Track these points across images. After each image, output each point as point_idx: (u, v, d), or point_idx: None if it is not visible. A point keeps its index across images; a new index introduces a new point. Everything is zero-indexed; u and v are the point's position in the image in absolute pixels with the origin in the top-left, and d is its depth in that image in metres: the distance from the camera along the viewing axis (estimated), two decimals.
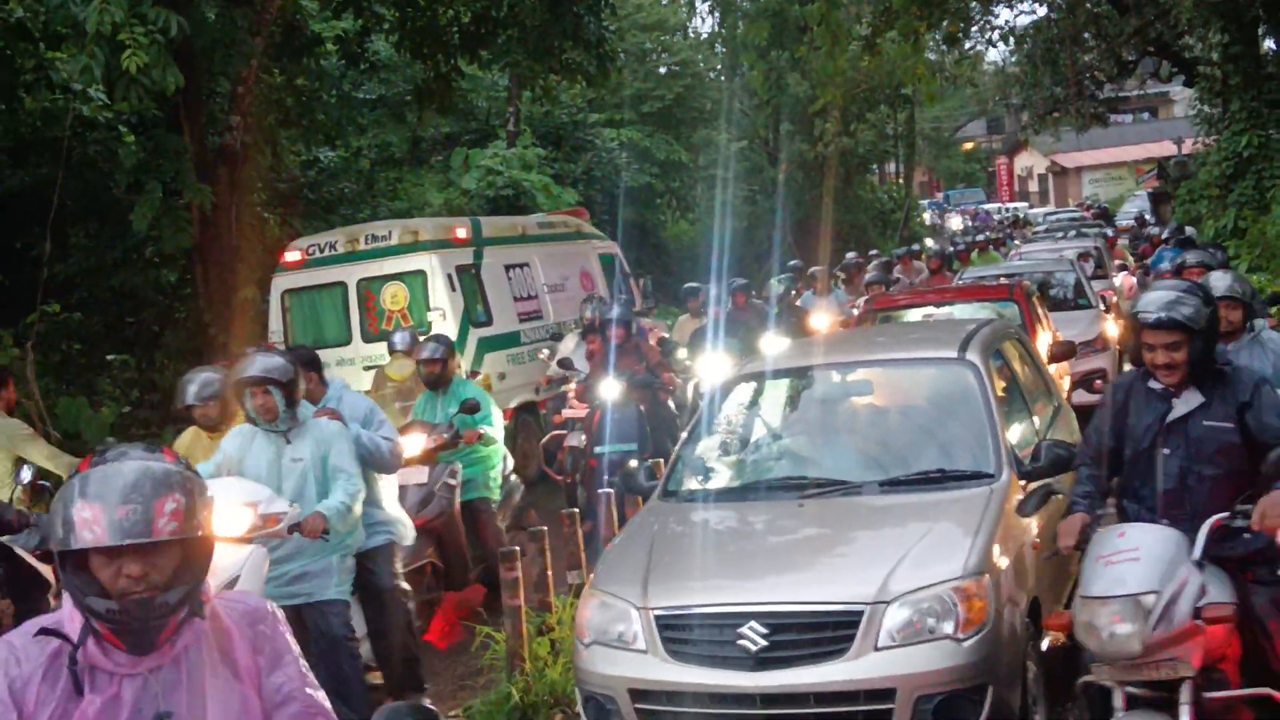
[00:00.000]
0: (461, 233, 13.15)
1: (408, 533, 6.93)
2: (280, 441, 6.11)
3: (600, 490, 8.91)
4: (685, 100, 32.67)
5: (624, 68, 21.63)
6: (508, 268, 13.69)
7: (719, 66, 36.13)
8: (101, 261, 14.91)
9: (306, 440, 6.13)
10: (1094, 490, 4.71)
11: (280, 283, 12.89)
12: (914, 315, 12.15)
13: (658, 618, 5.13)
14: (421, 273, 12.42)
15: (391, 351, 10.52)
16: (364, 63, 16.84)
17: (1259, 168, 22.81)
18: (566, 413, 11.28)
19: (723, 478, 6.30)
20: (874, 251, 26.83)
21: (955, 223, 54.76)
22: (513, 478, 9.56)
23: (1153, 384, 4.67)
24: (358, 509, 6.17)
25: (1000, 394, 6.17)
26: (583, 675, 5.38)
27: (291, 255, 12.96)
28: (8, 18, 13.20)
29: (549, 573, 7.10)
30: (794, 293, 17.07)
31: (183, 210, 13.61)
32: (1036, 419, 6.71)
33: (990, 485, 5.56)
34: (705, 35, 38.30)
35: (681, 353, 12.85)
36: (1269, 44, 26.45)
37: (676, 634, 5.10)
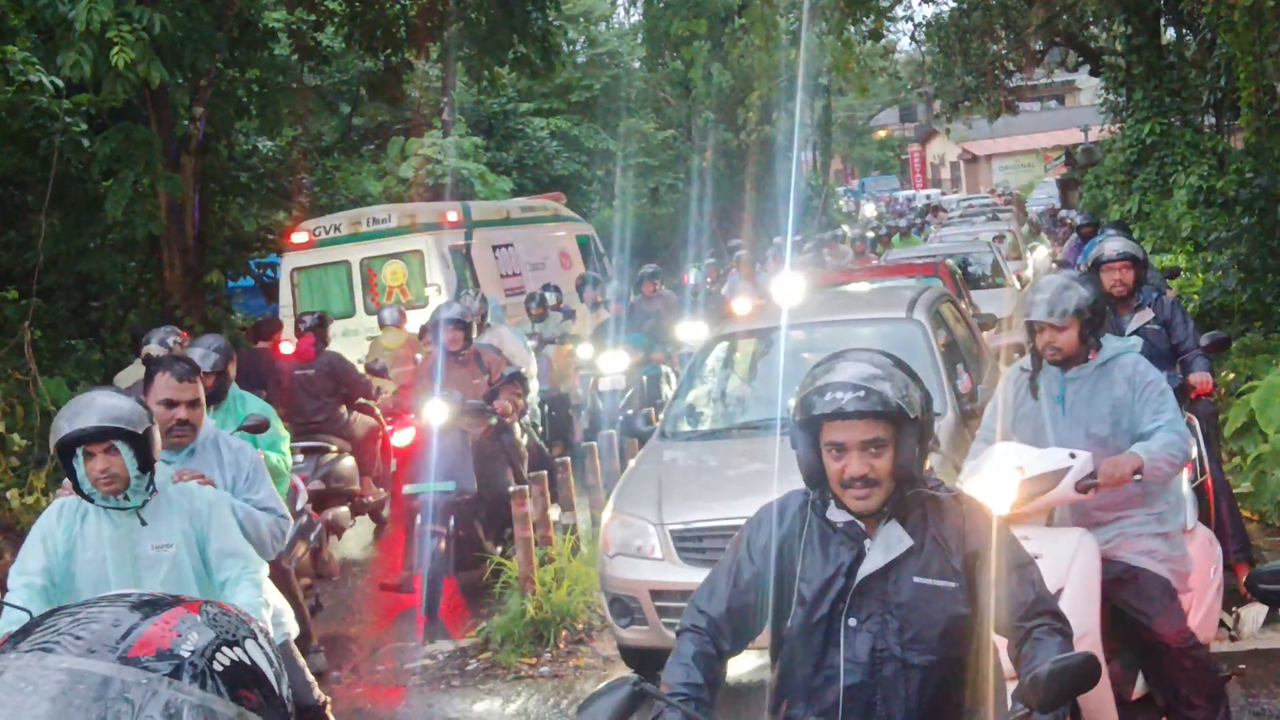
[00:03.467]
0: (453, 216, 14.52)
1: (293, 623, 5.25)
2: (132, 522, 4.36)
3: (427, 530, 8.14)
4: (612, 90, 33.51)
5: (566, 60, 22.47)
6: (494, 247, 15.08)
7: (641, 58, 36.96)
8: (68, 249, 15.43)
9: (173, 517, 4.42)
10: (698, 679, 3.11)
11: (289, 261, 14.23)
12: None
13: (672, 531, 6.21)
14: (419, 252, 13.72)
15: (381, 325, 11.51)
16: (315, 55, 17.55)
17: (1161, 154, 23.96)
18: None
19: (709, 421, 7.41)
20: (798, 237, 27.90)
21: (870, 209, 56.16)
22: (305, 518, 8.27)
23: (835, 514, 3.19)
24: (271, 601, 4.78)
25: (942, 347, 7.19)
26: (609, 581, 6.44)
27: (299, 237, 14.27)
28: None
29: (547, 512, 8.09)
30: (720, 278, 17.89)
31: (153, 198, 14.25)
32: (972, 363, 7.76)
33: (939, 420, 6.54)
34: (628, 26, 39.10)
35: (584, 348, 12.61)
36: (1170, 35, 27.72)
37: (687, 544, 6.21)
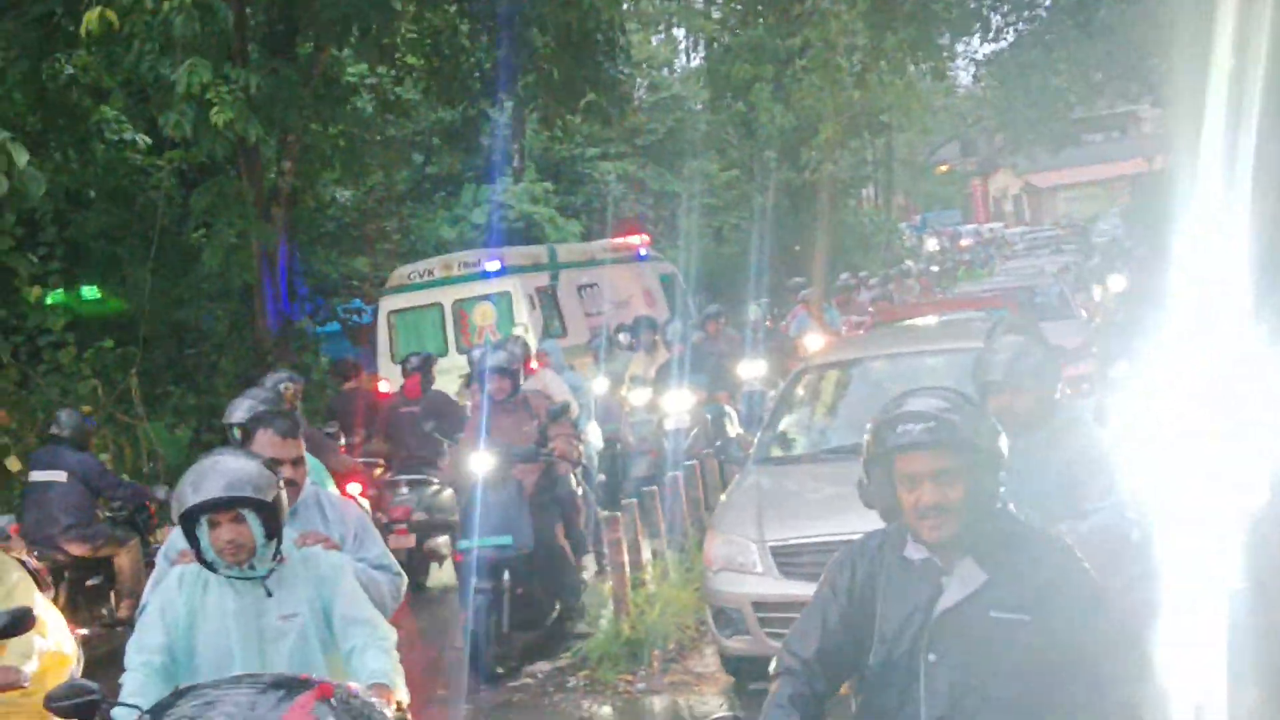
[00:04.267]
0: (540, 258, 15.23)
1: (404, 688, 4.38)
2: (257, 592, 4.13)
3: (474, 585, 7.82)
4: (676, 133, 34.07)
5: (638, 108, 23.06)
6: (579, 287, 15.84)
7: (704, 101, 37.52)
8: (165, 299, 16.11)
9: (298, 585, 4.20)
10: (801, 707, 3.22)
11: (386, 304, 15.10)
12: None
13: (772, 548, 6.70)
14: (507, 293, 14.50)
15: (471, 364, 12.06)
16: (395, 109, 18.27)
17: None
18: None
19: (801, 445, 7.90)
20: (864, 273, 28.24)
21: (932, 244, 56.28)
22: None
23: (912, 552, 3.29)
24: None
25: None
26: (714, 595, 6.99)
27: (395, 281, 15.19)
28: (91, 79, 14.55)
29: (639, 538, 8.54)
30: (777, 316, 18.09)
31: (245, 249, 14.90)
32: None
33: None
34: (691, 70, 39.73)
35: (645, 392, 12.58)
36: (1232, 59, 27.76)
37: (787, 559, 6.73)
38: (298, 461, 4.86)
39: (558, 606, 8.62)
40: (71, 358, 13.99)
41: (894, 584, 3.26)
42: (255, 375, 15.06)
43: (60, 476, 9.11)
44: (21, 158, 8.77)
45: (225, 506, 3.91)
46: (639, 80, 35.99)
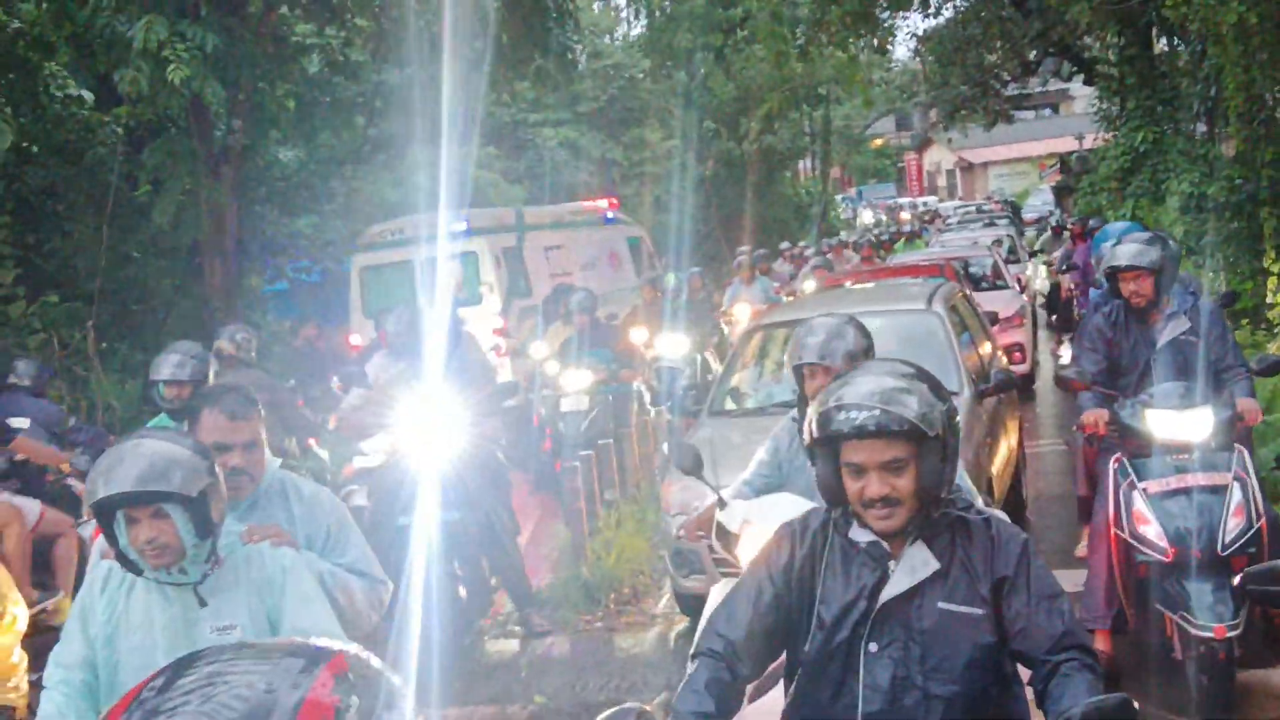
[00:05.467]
0: (507, 220, 15.66)
1: None
2: (189, 599, 3.55)
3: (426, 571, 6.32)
4: (618, 101, 34.32)
5: (596, 74, 23.29)
6: (545, 249, 16.24)
7: (645, 70, 37.78)
8: (112, 255, 16.17)
9: (239, 591, 3.61)
10: (710, 707, 2.98)
11: (358, 260, 15.65)
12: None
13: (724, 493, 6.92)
14: (474, 253, 14.88)
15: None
16: (344, 70, 18.36)
17: (1154, 161, 24.58)
18: (358, 462, 8.78)
19: (751, 401, 8.21)
20: (803, 243, 28.73)
21: (867, 217, 56.98)
22: None
23: (858, 534, 3.10)
24: None
25: (956, 335, 7.95)
26: (671, 537, 7.16)
27: (366, 239, 15.65)
28: (37, 33, 14.57)
29: (597, 487, 8.86)
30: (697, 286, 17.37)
31: (195, 207, 15.00)
32: (983, 354, 8.54)
33: (956, 398, 7.28)
34: (634, 37, 39.90)
35: (551, 365, 11.79)
36: (1162, 45, 28.42)
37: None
38: (251, 446, 4.14)
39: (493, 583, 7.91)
40: (21, 311, 14.07)
41: (836, 567, 3.08)
42: (208, 329, 15.27)
43: (24, 424, 9.25)
44: None
45: (141, 501, 3.32)
46: (580, 47, 36.21)
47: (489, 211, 17.26)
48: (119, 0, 12.29)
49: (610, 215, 19.15)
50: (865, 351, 4.66)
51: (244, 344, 9.33)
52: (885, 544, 3.04)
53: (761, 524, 4.42)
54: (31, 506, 7.82)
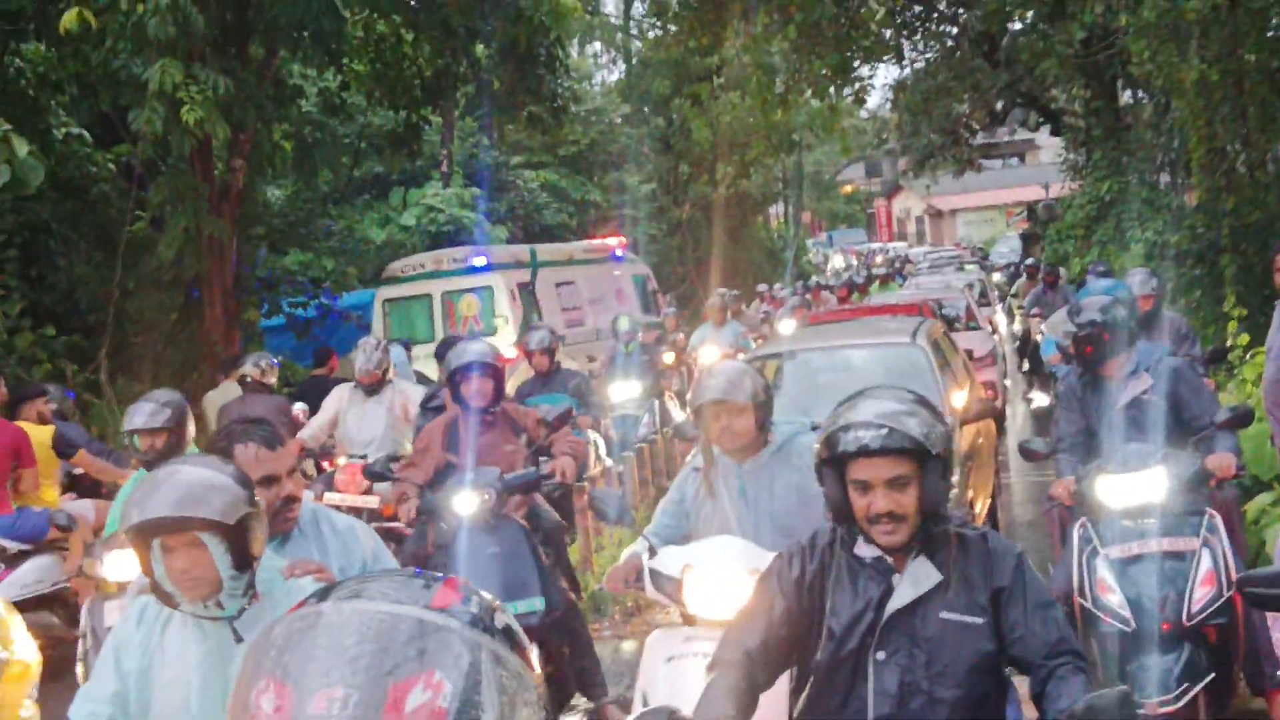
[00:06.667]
0: (522, 257, 16.78)
1: None
2: (225, 636, 3.39)
3: None
4: (597, 144, 34.96)
5: (575, 119, 23.96)
6: (557, 284, 17.24)
7: (624, 114, 38.45)
8: (109, 289, 16.61)
9: None
10: (731, 712, 3.03)
11: (382, 293, 16.60)
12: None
13: None
14: (490, 288, 15.89)
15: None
16: (341, 112, 18.98)
17: (1119, 210, 25.12)
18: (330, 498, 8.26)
19: None
20: (778, 285, 29.39)
21: (838, 261, 57.83)
22: None
23: (863, 550, 3.31)
24: None
25: (939, 366, 8.52)
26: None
27: (390, 272, 16.69)
28: (41, 71, 15.08)
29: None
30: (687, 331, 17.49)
31: (198, 242, 15.49)
32: (963, 386, 9.11)
33: None
34: (612, 84, 40.67)
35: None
36: (1127, 98, 29.20)
37: None
38: (294, 472, 4.06)
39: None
40: (28, 342, 14.49)
41: (844, 581, 3.28)
42: (208, 362, 15.71)
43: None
44: (22, 148, 9.37)
45: (178, 528, 3.19)
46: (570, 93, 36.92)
47: (506, 248, 18.54)
48: (135, 44, 12.75)
49: (618, 253, 20.19)
50: (765, 390, 4.79)
51: (267, 370, 9.93)
52: (889, 559, 3.25)
53: (707, 566, 4.43)
54: (88, 507, 8.32)
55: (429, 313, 16.29)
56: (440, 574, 1.98)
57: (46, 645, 7.81)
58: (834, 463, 3.24)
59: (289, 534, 4.02)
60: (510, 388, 10.07)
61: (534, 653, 2.03)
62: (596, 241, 21.51)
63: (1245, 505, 7.54)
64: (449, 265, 16.61)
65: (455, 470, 6.33)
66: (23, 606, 7.67)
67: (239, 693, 1.87)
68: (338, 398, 9.31)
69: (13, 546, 7.92)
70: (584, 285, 18.10)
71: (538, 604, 5.82)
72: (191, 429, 6.70)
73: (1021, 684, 3.34)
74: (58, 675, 7.02)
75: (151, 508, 3.17)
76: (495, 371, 6.63)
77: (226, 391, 11.49)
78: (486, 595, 1.94)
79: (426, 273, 16.63)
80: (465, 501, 5.88)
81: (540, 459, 6.82)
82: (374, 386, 9.14)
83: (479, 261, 16.36)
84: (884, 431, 3.13)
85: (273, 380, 10.31)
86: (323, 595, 1.87)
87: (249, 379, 10.14)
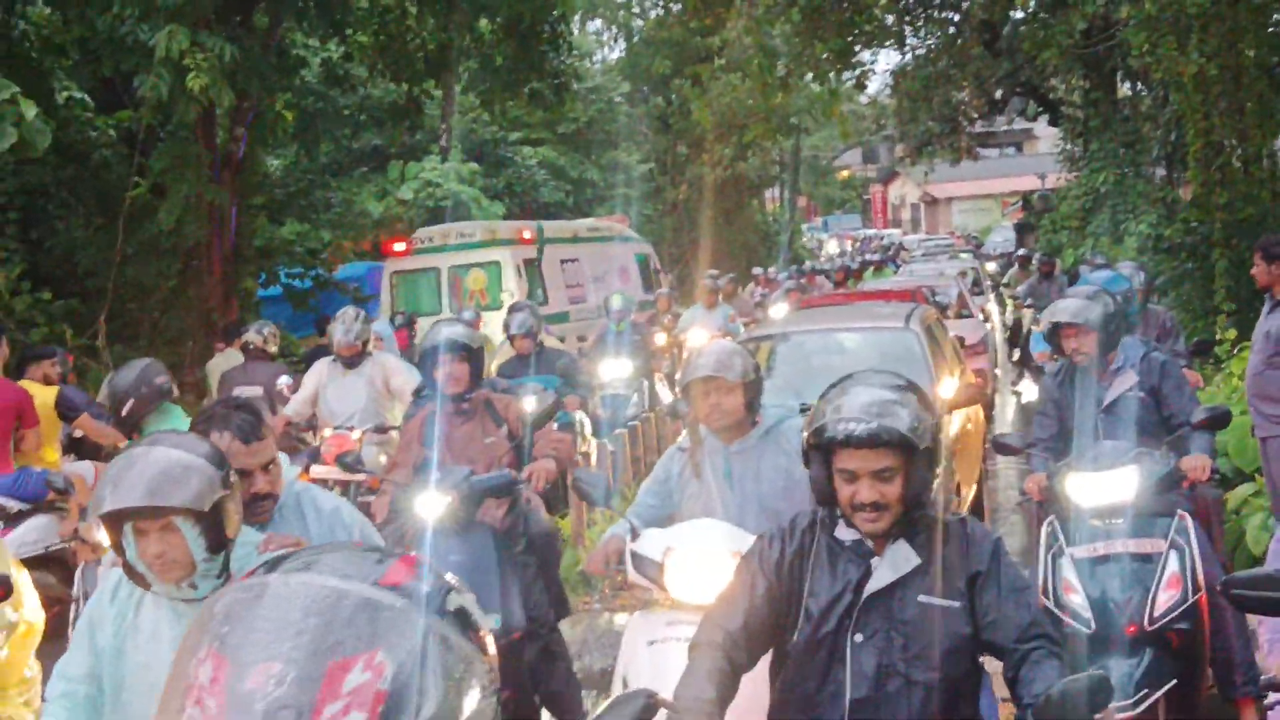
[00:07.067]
0: (527, 234, 16.93)
1: None
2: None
3: None
4: (596, 123, 35.03)
5: (575, 97, 24.04)
6: (562, 261, 17.48)
7: (623, 94, 38.50)
8: (109, 255, 16.69)
9: None
10: (711, 694, 3.07)
11: (390, 265, 16.81)
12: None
13: None
14: (497, 263, 16.16)
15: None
16: (344, 83, 19.05)
17: (1114, 202, 25.14)
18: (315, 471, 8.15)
19: None
20: (772, 269, 29.51)
21: (832, 246, 57.93)
22: None
23: (843, 533, 3.33)
24: None
25: (931, 351, 8.65)
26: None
27: (399, 246, 16.86)
28: (45, 34, 15.12)
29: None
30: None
31: (199, 209, 15.57)
32: (954, 372, 9.25)
33: None
34: (613, 62, 40.66)
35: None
36: (1126, 89, 29.25)
37: None
38: (270, 466, 3.89)
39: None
40: (26, 305, 14.58)
41: (823, 563, 3.30)
42: (206, 329, 15.79)
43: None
44: (30, 111, 9.41)
45: (150, 514, 3.13)
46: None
47: (512, 224, 18.46)
48: (142, 9, 12.80)
49: (622, 233, 20.61)
50: (755, 370, 4.76)
51: (269, 338, 10.04)
52: (869, 542, 3.27)
53: (689, 549, 4.39)
54: (87, 469, 8.40)
55: (436, 287, 16.56)
56: (399, 550, 1.89)
57: (45, 605, 7.96)
58: (821, 448, 3.26)
59: (272, 516, 3.88)
60: (492, 368, 10.14)
61: (489, 637, 1.87)
62: (601, 220, 21.95)
63: (1226, 495, 7.47)
64: (456, 239, 16.90)
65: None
66: (23, 565, 7.84)
67: (179, 662, 1.81)
68: (318, 372, 9.11)
69: (13, 506, 7.99)
70: (587, 263, 18.42)
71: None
72: (172, 393, 6.80)
73: (996, 675, 3.35)
74: (54, 635, 7.13)
75: (123, 495, 3.09)
76: (470, 354, 6.01)
77: (229, 359, 11.61)
78: (447, 575, 1.86)
79: (434, 246, 16.91)
80: (429, 503, 5.29)
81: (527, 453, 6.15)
82: (354, 359, 8.90)
83: (486, 237, 16.72)
84: (873, 424, 3.14)
85: (274, 348, 10.40)
86: (272, 566, 1.81)
87: (251, 346, 10.23)
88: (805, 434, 3.32)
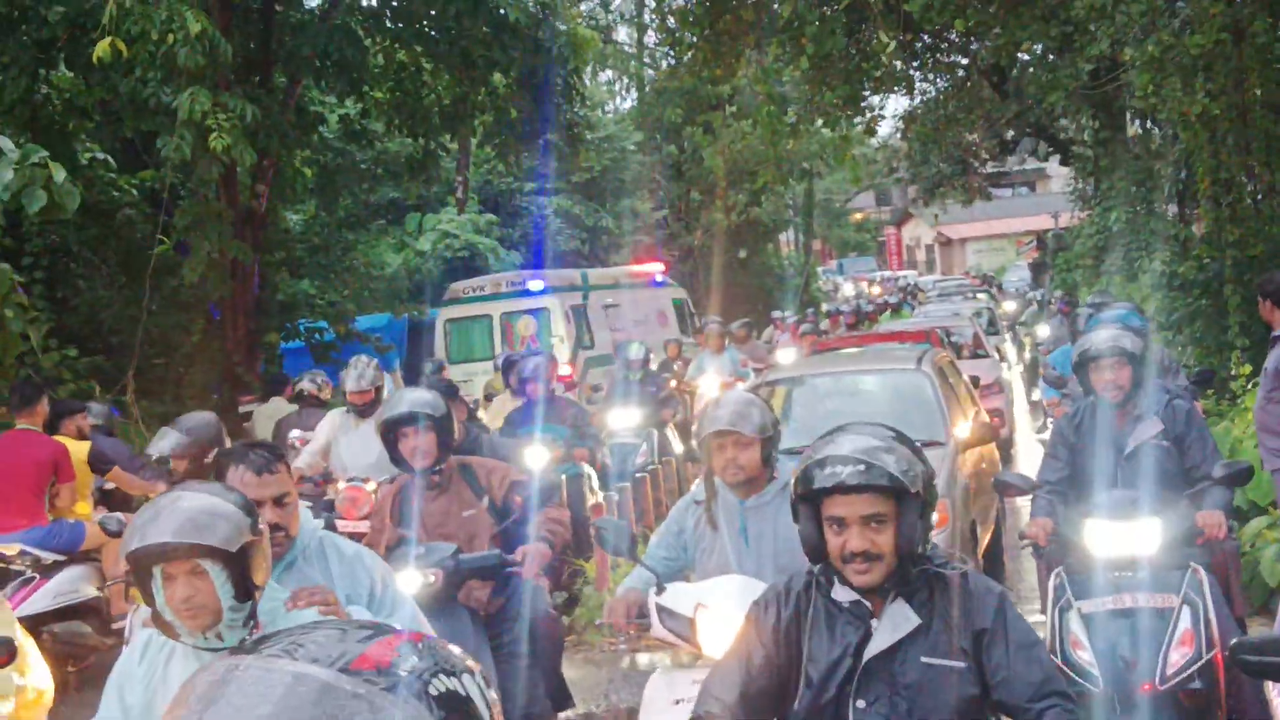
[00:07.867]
0: (574, 281, 17.83)
1: None
2: None
3: None
4: (610, 171, 35.34)
5: (589, 146, 24.35)
6: (605, 306, 18.21)
7: (636, 142, 38.81)
8: (134, 311, 16.94)
9: None
10: None
11: (443, 314, 17.68)
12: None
13: None
14: (547, 309, 16.87)
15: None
16: (361, 139, 19.38)
17: (1127, 240, 25.22)
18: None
19: None
20: (788, 312, 29.67)
21: (848, 289, 58.08)
22: None
23: (840, 594, 3.21)
24: None
25: (943, 393, 8.80)
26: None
27: (452, 294, 17.80)
28: (68, 97, 15.45)
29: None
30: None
31: (222, 265, 15.83)
32: (966, 409, 9.39)
33: (943, 448, 8.09)
34: (625, 111, 41.02)
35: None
36: (1136, 128, 29.42)
37: None
38: (282, 499, 3.93)
39: None
40: (53, 363, 14.81)
41: (821, 626, 3.17)
42: (230, 384, 16.02)
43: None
44: (60, 174, 9.61)
45: (179, 555, 3.13)
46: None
47: (560, 272, 19.19)
48: (164, 73, 13.09)
49: (659, 279, 21.19)
50: (773, 424, 4.59)
51: (323, 386, 10.40)
52: (867, 602, 3.15)
53: (720, 606, 4.29)
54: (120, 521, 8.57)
55: (489, 333, 17.20)
56: (393, 628, 1.80)
57: (81, 653, 8.14)
58: (809, 499, 3.15)
59: (293, 561, 3.96)
60: (497, 421, 10.36)
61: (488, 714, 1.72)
62: (639, 266, 22.74)
63: (1240, 531, 7.25)
64: (507, 287, 17.64)
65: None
66: (58, 615, 8.03)
67: None
68: (330, 424, 8.89)
69: (48, 557, 8.19)
70: (628, 308, 19.12)
71: None
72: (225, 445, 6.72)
73: None
74: (92, 683, 7.28)
75: (152, 534, 3.12)
76: (436, 422, 5.45)
77: (278, 408, 11.93)
78: (444, 652, 1.74)
79: (486, 294, 17.63)
80: (407, 581, 4.92)
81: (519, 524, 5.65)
82: (366, 407, 8.55)
83: (536, 285, 17.32)
84: (861, 467, 3.05)
85: (328, 395, 10.82)
86: (257, 643, 1.73)
87: (306, 394, 10.66)
88: (792, 484, 3.23)
